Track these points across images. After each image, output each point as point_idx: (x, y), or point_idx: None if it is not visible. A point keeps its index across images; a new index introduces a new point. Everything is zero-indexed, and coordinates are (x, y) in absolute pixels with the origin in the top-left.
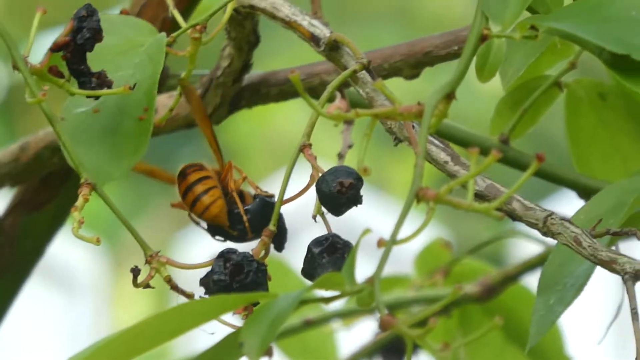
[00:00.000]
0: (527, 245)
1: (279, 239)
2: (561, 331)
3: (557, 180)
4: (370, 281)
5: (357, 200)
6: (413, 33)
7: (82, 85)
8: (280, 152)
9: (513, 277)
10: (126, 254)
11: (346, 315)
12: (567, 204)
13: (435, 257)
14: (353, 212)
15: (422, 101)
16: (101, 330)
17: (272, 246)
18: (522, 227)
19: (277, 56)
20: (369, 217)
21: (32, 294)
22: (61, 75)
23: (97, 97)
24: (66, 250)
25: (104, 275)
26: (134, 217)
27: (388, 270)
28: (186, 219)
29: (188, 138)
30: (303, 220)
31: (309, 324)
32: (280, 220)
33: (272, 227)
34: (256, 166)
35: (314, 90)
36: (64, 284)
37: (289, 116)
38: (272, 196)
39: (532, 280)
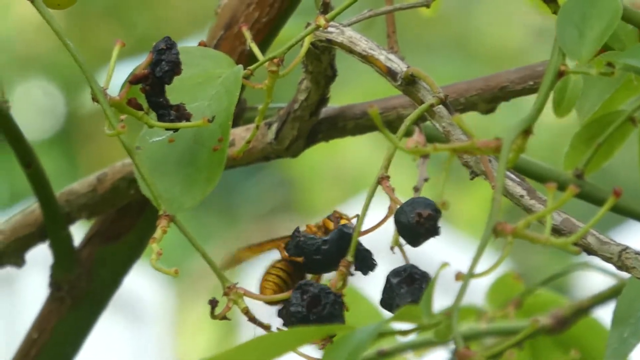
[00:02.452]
0: (593, 277)
1: (366, 261)
2: None
3: (629, 214)
4: (448, 314)
5: (435, 231)
6: (470, 64)
7: (160, 118)
8: (346, 184)
9: (585, 309)
10: (190, 284)
11: (419, 347)
12: (632, 235)
13: (507, 289)
14: (421, 246)
15: (500, 136)
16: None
17: (350, 276)
18: (591, 259)
19: (353, 90)
20: (436, 251)
21: (107, 324)
22: (140, 108)
23: (176, 130)
24: (132, 279)
25: (168, 305)
26: (213, 241)
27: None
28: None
29: (254, 170)
30: (378, 252)
31: (383, 355)
32: (360, 245)
33: (349, 257)
34: (323, 198)
35: (390, 123)
36: (129, 313)
37: (355, 149)
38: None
39: (603, 313)
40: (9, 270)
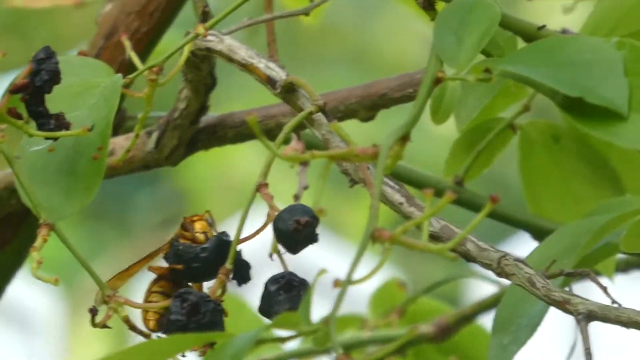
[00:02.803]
0: (483, 286)
1: (242, 272)
2: None
3: (511, 221)
4: (326, 321)
5: (313, 238)
6: (370, 76)
7: (40, 127)
8: (238, 193)
9: (468, 317)
10: (84, 297)
11: (302, 355)
12: (522, 245)
13: (390, 297)
14: (307, 253)
15: (378, 143)
16: None
17: (230, 283)
18: (477, 267)
19: (233, 98)
20: (323, 259)
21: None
22: (20, 117)
23: (55, 139)
24: (24, 291)
25: (61, 317)
26: (93, 259)
27: (343, 309)
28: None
29: (146, 181)
30: (261, 259)
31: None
32: (239, 255)
33: (228, 265)
34: (214, 208)
35: (270, 132)
36: (22, 325)
37: (246, 158)
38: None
39: (487, 321)
40: None
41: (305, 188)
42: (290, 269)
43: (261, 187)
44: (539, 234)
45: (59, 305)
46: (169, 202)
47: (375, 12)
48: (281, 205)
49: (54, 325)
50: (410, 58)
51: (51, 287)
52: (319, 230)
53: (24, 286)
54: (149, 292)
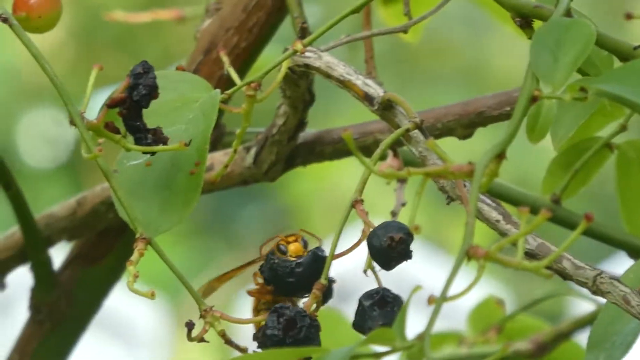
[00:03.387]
0: (584, 303)
1: (325, 293)
2: None
3: (607, 240)
4: (421, 338)
5: (407, 255)
6: (480, 93)
7: (137, 141)
8: (340, 209)
9: (565, 334)
10: (189, 309)
11: None
12: (619, 264)
13: (488, 314)
14: (411, 268)
15: (474, 161)
16: None
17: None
18: (575, 285)
19: (331, 115)
20: (427, 274)
21: (94, 347)
22: (117, 131)
23: (153, 153)
24: (130, 304)
25: (166, 330)
26: (200, 272)
27: (442, 325)
28: (250, 276)
29: (252, 196)
30: (359, 276)
31: None
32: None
33: (323, 280)
34: (318, 223)
35: (367, 148)
36: (127, 337)
37: (350, 173)
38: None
39: (584, 338)
40: (7, 294)
41: (403, 205)
42: (394, 281)
43: (356, 203)
44: (635, 252)
45: (164, 318)
46: (274, 217)
47: (486, 30)
48: (379, 221)
49: (159, 337)
50: (521, 75)
51: (157, 299)
52: (417, 245)
53: (129, 299)
54: (256, 310)
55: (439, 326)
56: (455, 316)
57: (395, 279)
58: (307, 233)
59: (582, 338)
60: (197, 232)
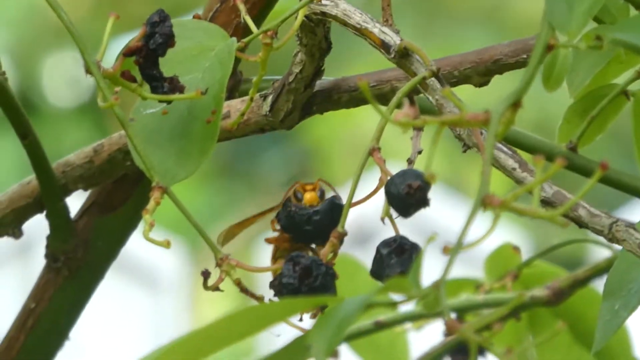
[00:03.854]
0: (602, 250)
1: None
2: (629, 334)
3: (623, 187)
4: (436, 286)
5: (425, 202)
6: (503, 34)
7: (154, 90)
8: (361, 152)
9: (582, 281)
10: (209, 254)
11: (417, 318)
12: (636, 211)
13: (505, 261)
14: (430, 213)
15: (489, 109)
16: (184, 327)
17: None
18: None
19: (349, 62)
20: (446, 217)
21: (115, 292)
22: (134, 80)
23: (169, 102)
24: (150, 249)
25: (186, 274)
26: (223, 215)
27: (459, 272)
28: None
29: (275, 140)
30: (377, 221)
31: (379, 326)
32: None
33: (340, 228)
34: (339, 167)
35: (384, 96)
36: (149, 282)
37: (369, 116)
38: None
39: (601, 285)
40: (26, 240)
41: (420, 152)
42: (412, 226)
43: (373, 151)
44: None
45: (184, 263)
46: (296, 160)
47: None
48: (396, 168)
49: (179, 282)
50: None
51: (177, 244)
52: (437, 189)
53: (149, 244)
54: (274, 258)
55: (456, 273)
56: (473, 262)
57: (414, 224)
58: (325, 183)
59: (599, 284)
60: (218, 175)
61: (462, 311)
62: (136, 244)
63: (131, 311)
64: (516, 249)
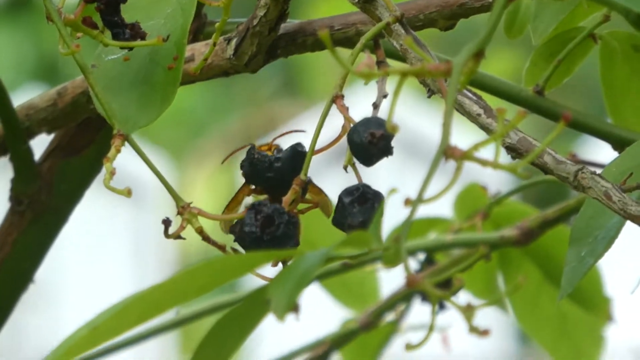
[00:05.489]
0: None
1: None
2: (599, 273)
3: (591, 131)
4: (397, 240)
5: (388, 151)
6: None
7: (115, 37)
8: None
9: (552, 221)
10: (193, 168)
11: None
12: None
13: (474, 200)
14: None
15: (451, 59)
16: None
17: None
18: None
19: (314, 5)
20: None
21: (102, 208)
22: (95, 27)
23: (130, 49)
24: (134, 163)
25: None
26: (223, 118)
27: (427, 212)
28: (257, 136)
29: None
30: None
31: (347, 267)
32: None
33: (302, 176)
34: (324, 81)
35: (349, 39)
36: (134, 198)
37: None
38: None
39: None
40: None
41: (385, 96)
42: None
43: (337, 98)
44: (619, 144)
45: (170, 177)
46: (278, 75)
47: None
48: (360, 114)
49: (164, 197)
50: None
51: (163, 157)
52: (394, 142)
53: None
54: (231, 206)
55: (424, 212)
56: (440, 203)
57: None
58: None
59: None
60: (218, 81)
61: (431, 251)
62: (122, 160)
63: (114, 226)
64: (484, 187)
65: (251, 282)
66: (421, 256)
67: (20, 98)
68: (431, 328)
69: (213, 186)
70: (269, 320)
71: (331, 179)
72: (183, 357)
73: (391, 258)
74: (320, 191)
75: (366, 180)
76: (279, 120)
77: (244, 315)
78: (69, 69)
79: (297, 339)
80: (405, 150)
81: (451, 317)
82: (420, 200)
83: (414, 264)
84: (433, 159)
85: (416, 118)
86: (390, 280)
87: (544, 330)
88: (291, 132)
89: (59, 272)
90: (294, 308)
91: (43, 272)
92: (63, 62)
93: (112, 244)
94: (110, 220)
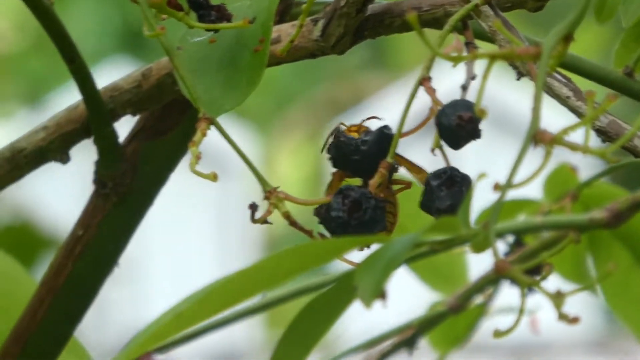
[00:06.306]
0: None
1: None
2: None
3: None
4: (486, 226)
5: (476, 134)
6: None
7: (201, 18)
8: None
9: None
10: (280, 140)
11: None
12: None
13: (564, 181)
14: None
15: (540, 42)
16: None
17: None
18: None
19: None
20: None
21: (183, 179)
22: (180, 8)
23: (216, 31)
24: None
25: (257, 158)
26: (309, 89)
27: (516, 194)
28: (343, 108)
29: None
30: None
31: (435, 250)
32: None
33: (389, 159)
34: (412, 53)
35: (437, 20)
36: (217, 168)
37: None
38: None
39: None
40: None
41: (473, 78)
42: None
43: (424, 81)
44: None
45: (255, 148)
46: (363, 46)
47: None
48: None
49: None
50: None
51: (248, 127)
52: (482, 125)
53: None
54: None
55: (514, 194)
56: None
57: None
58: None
59: None
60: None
61: (520, 233)
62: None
63: (198, 201)
64: (574, 169)
65: (337, 265)
66: (510, 238)
67: (105, 70)
68: (520, 313)
69: (298, 158)
70: (356, 304)
71: (416, 158)
72: (269, 332)
73: (480, 244)
74: (421, 170)
75: (452, 159)
76: (365, 92)
77: (331, 301)
78: (153, 41)
79: (385, 322)
80: (493, 125)
81: (540, 300)
82: (509, 185)
83: (502, 246)
84: (522, 144)
85: (505, 92)
86: (478, 261)
87: (635, 313)
88: (369, 118)
89: (143, 248)
90: (381, 294)
91: (128, 248)
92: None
93: (196, 219)
94: (195, 195)
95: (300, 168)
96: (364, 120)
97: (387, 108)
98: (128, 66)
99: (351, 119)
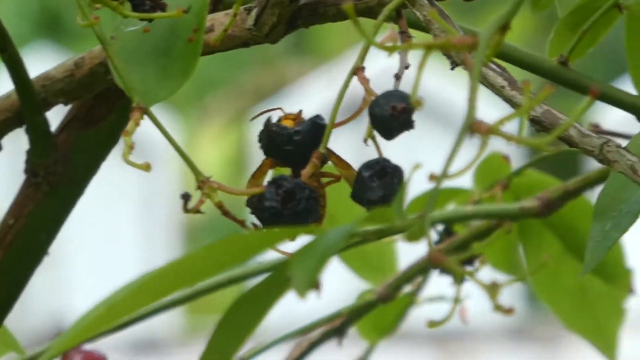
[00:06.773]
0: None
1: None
2: (621, 245)
3: (615, 102)
4: (421, 216)
5: (409, 124)
6: None
7: (135, 8)
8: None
9: (573, 192)
10: (202, 125)
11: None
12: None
13: (495, 170)
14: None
15: (476, 32)
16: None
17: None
18: None
19: None
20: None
21: (108, 165)
22: None
23: (150, 20)
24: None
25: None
26: (221, 84)
27: (447, 184)
28: (266, 94)
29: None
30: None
31: (366, 239)
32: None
33: (322, 149)
34: (336, 41)
35: (371, 10)
36: (141, 156)
37: None
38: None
39: (593, 196)
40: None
41: (407, 67)
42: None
43: (358, 70)
44: None
45: (176, 134)
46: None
47: None
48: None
49: (172, 154)
50: None
51: (171, 116)
52: (415, 116)
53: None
54: (253, 180)
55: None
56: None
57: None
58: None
59: (592, 195)
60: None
61: (450, 222)
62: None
63: (122, 186)
64: (506, 158)
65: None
66: (440, 227)
67: (26, 57)
68: (455, 303)
69: (220, 144)
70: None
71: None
72: (189, 319)
73: (415, 234)
74: (348, 165)
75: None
76: (288, 78)
77: (265, 291)
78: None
79: (314, 311)
80: (425, 115)
81: (468, 288)
82: (445, 175)
83: (433, 235)
84: (458, 134)
85: (432, 80)
86: (407, 251)
87: (564, 302)
88: (267, 111)
89: (66, 235)
90: (316, 285)
91: None
92: (66, 16)
93: (119, 207)
94: (118, 183)
95: (222, 154)
96: (267, 111)
97: (310, 94)
98: (48, 52)
99: (273, 105)
